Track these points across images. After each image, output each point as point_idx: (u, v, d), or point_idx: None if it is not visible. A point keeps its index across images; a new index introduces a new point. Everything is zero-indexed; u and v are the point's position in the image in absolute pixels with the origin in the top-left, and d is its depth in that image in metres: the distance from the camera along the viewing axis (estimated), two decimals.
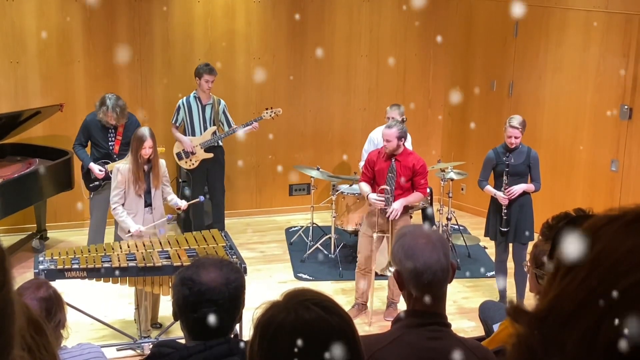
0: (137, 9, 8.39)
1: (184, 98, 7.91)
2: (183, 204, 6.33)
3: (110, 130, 7.21)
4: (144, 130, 6.11)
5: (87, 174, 7.32)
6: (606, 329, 0.81)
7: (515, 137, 6.53)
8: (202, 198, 6.35)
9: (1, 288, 0.99)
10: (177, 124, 7.93)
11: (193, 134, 7.90)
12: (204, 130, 7.90)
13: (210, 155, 7.93)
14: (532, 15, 8.44)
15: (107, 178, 7.20)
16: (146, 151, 6.02)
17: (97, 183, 7.28)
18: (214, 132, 7.91)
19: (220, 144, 8.05)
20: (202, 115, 7.89)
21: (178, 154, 7.94)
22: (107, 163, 7.21)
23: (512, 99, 8.85)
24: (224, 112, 7.96)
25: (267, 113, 8.06)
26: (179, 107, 7.89)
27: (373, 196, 6.42)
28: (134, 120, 7.35)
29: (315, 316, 1.61)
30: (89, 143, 7.35)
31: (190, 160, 7.92)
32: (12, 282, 1.02)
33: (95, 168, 7.19)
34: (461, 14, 9.30)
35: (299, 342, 1.57)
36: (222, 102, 7.98)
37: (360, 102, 9.36)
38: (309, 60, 9.06)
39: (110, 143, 7.25)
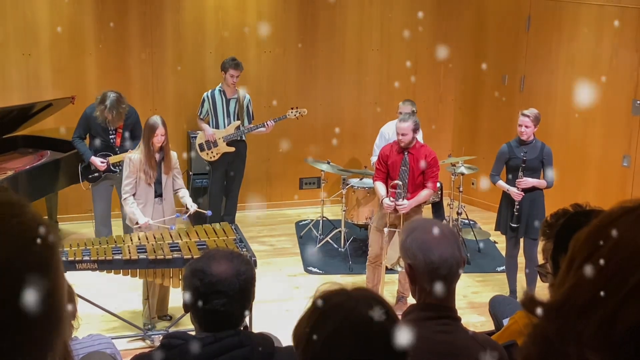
0: (148, 1, 8.39)
1: (209, 91, 7.92)
2: (193, 207, 6.23)
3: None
4: (156, 119, 6.11)
5: (86, 165, 7.33)
6: (624, 317, 0.81)
7: (526, 127, 6.48)
8: (209, 212, 6.40)
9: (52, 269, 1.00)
10: (202, 116, 7.96)
11: (217, 127, 7.92)
12: (228, 124, 7.91)
13: (232, 149, 7.93)
14: (545, 9, 8.40)
15: (109, 170, 7.22)
16: (158, 139, 6.02)
17: (97, 174, 7.29)
18: (238, 127, 7.91)
19: (244, 138, 8.05)
20: (227, 109, 7.89)
21: (200, 145, 7.94)
22: (109, 155, 7.21)
23: (523, 93, 8.81)
24: (247, 107, 7.97)
25: (291, 112, 8.05)
26: (204, 99, 7.91)
27: (386, 201, 6.42)
28: (132, 111, 7.31)
29: (379, 319, 1.70)
30: (88, 135, 7.32)
31: (212, 152, 7.93)
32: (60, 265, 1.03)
33: (97, 160, 7.19)
34: (473, 7, 9.27)
35: (360, 336, 1.68)
36: (248, 96, 7.98)
37: (371, 96, 9.33)
38: (319, 53, 9.05)
39: (111, 136, 7.24)
